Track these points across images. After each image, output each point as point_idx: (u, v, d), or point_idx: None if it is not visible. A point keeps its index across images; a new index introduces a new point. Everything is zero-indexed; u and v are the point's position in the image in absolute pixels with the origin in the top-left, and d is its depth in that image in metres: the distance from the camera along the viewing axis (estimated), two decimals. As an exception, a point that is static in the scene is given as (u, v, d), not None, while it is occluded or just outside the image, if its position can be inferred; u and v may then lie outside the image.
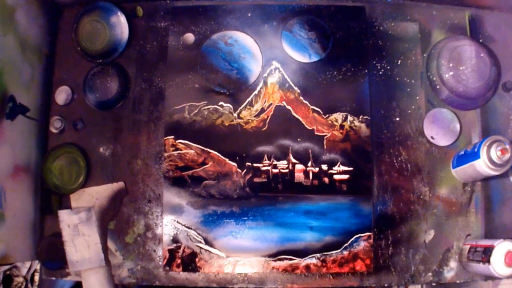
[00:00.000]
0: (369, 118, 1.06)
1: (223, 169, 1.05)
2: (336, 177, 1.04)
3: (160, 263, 1.03)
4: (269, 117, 1.06)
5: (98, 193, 1.05)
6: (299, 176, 1.04)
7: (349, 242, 1.02)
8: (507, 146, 0.93)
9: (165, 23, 1.10)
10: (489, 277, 1.02)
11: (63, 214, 1.01)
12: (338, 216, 1.03)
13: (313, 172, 1.04)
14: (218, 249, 1.03)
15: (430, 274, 1.03)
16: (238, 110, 1.07)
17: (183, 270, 1.03)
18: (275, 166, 1.05)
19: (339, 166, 1.05)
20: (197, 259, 1.02)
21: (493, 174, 0.94)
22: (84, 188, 1.05)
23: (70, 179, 1.05)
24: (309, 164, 1.05)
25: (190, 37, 1.09)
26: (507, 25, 1.09)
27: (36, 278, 1.05)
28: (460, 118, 1.07)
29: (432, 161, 1.06)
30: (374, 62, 1.09)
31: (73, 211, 1.01)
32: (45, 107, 1.08)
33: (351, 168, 1.04)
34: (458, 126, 1.06)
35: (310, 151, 1.05)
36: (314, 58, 1.08)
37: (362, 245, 1.02)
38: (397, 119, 1.07)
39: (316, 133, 1.05)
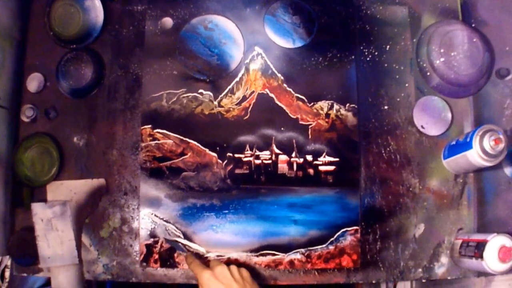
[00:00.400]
0: (356, 107, 1.02)
1: (203, 160, 1.01)
2: (321, 168, 1.00)
3: (137, 258, 1.00)
4: (251, 106, 1.02)
5: (77, 188, 1.01)
6: (282, 167, 1.01)
7: (335, 237, 0.99)
8: (501, 136, 0.90)
9: (142, 7, 1.06)
10: (482, 273, 0.98)
11: (37, 207, 0.98)
12: (324, 209, 0.99)
13: (297, 163, 1.01)
14: (198, 244, 0.99)
15: (420, 270, 1.00)
16: (219, 98, 1.03)
17: (161, 266, 0.99)
18: (257, 157, 1.01)
19: (324, 156, 1.01)
20: (175, 255, 0.99)
21: (486, 165, 0.91)
22: (62, 181, 1.01)
23: (42, 170, 1.01)
24: (293, 154, 1.01)
25: (168, 21, 1.05)
26: (501, 8, 1.06)
27: (7, 274, 1.02)
28: (451, 106, 1.03)
29: (422, 151, 1.03)
30: (362, 48, 1.05)
31: (47, 205, 0.98)
32: (16, 95, 1.04)
33: (337, 159, 1.01)
34: (449, 114, 1.03)
35: (294, 141, 1.01)
36: (299, 44, 1.04)
37: (348, 239, 0.99)
38: (386, 107, 1.03)
39: (300, 122, 1.02)
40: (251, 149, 1.01)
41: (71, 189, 1.01)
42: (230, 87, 1.03)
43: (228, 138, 1.01)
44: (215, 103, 1.02)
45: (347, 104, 1.02)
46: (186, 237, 0.99)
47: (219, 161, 1.01)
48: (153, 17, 1.05)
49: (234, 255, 0.99)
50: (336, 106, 1.02)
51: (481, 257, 0.89)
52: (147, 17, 1.05)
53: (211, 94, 1.03)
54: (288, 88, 1.02)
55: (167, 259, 0.99)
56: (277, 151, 1.01)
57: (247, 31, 1.04)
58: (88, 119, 1.04)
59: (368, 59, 1.04)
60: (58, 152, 1.01)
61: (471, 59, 1.01)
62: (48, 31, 1.05)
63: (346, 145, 1.01)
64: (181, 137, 1.01)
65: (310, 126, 1.01)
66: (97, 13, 1.04)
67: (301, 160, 1.01)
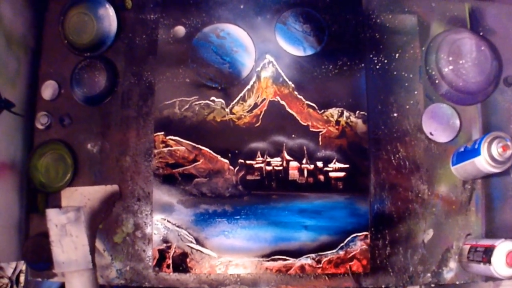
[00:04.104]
0: (365, 114, 1.03)
1: (215, 166, 1.02)
2: (331, 174, 1.01)
3: (150, 263, 1.01)
4: (263, 113, 1.03)
5: (91, 194, 1.02)
6: (293, 173, 1.02)
7: (345, 242, 1.00)
8: (509, 143, 0.91)
9: (154, 16, 1.07)
10: (490, 278, 0.99)
11: (51, 213, 0.99)
12: (334, 215, 1.00)
13: (308, 170, 1.02)
14: (210, 249, 1.00)
15: (429, 275, 1.01)
16: (231, 106, 1.04)
17: (174, 271, 1.00)
18: (268, 163, 1.02)
19: (335, 163, 1.02)
20: (188, 260, 1.00)
21: (494, 171, 0.92)
22: (76, 187, 1.03)
23: (57, 176, 1.03)
24: (304, 161, 1.02)
25: (180, 30, 1.06)
26: (508, 17, 1.07)
27: (22, 279, 1.02)
28: (460, 113, 1.05)
29: (431, 158, 1.04)
30: (371, 56, 1.06)
31: (62, 211, 0.99)
32: (31, 102, 1.06)
33: (347, 166, 1.02)
34: (458, 122, 1.04)
35: (305, 147, 1.02)
36: (309, 52, 1.05)
37: (358, 245, 1.00)
38: (395, 114, 1.05)
39: (311, 129, 1.03)
40: (263, 156, 1.02)
41: (85, 195, 1.02)
42: (241, 94, 1.04)
43: (240, 145, 1.02)
44: (227, 110, 1.03)
45: (357, 111, 1.03)
46: (199, 242, 1.00)
47: (231, 167, 1.02)
48: (165, 25, 1.06)
49: (245, 260, 1.00)
50: (346, 113, 1.03)
51: (489, 262, 0.90)
52: (160, 25, 1.06)
53: (223, 101, 1.04)
54: (298, 96, 1.03)
55: (180, 264, 1.00)
56: (288, 157, 1.02)
57: (259, 40, 1.06)
58: (102, 126, 1.05)
59: (377, 67, 1.06)
60: (72, 158, 1.03)
61: (479, 67, 1.02)
62: (63, 39, 1.07)
63: (356, 151, 1.02)
64: (194, 144, 1.02)
65: (320, 133, 1.03)
66: (111, 22, 1.06)
67: (312, 166, 1.02)
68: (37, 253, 0.99)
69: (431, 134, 1.04)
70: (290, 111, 1.03)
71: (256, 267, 1.00)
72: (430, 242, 1.01)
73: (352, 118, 1.03)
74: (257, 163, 1.02)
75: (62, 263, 0.98)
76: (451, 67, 1.02)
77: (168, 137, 1.03)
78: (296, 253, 1.00)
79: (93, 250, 1.00)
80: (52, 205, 1.02)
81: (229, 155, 1.02)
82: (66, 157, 1.03)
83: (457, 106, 1.05)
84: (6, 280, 1.00)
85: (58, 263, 0.98)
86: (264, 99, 1.04)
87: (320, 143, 1.02)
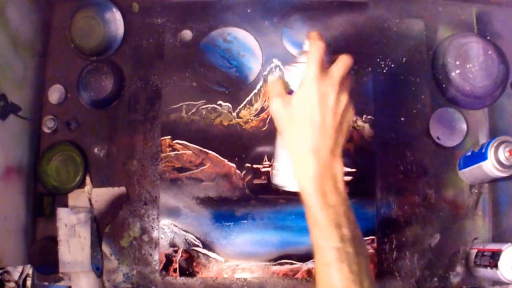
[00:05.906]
0: (372, 118, 1.03)
1: (222, 170, 1.02)
2: (338, 178, 1.01)
3: (157, 267, 1.01)
4: (269, 117, 1.03)
5: (98, 195, 1.02)
6: (300, 177, 1.01)
7: (352, 246, 0.99)
8: (516, 147, 0.90)
9: (161, 20, 1.07)
10: (497, 283, 0.98)
11: (62, 212, 0.99)
12: (341, 219, 1.00)
13: (314, 174, 1.01)
14: (217, 253, 1.00)
15: (435, 279, 1.00)
16: (238, 110, 1.04)
17: (180, 275, 1.00)
18: (275, 167, 1.02)
19: (341, 167, 1.02)
20: (194, 264, 1.00)
21: (501, 175, 0.92)
22: (83, 189, 1.03)
23: (68, 177, 1.02)
24: (311, 165, 1.01)
25: (187, 34, 1.06)
26: (516, 21, 1.07)
27: (28, 283, 1.02)
28: (467, 117, 1.04)
29: (438, 162, 1.03)
30: (378, 60, 1.06)
31: (73, 211, 0.99)
32: (38, 106, 1.06)
33: (353, 170, 1.01)
34: (464, 126, 1.04)
35: (311, 151, 1.02)
36: (316, 56, 1.04)
37: (365, 249, 1.00)
38: (402, 119, 1.04)
39: (318, 133, 1.02)
40: (269, 160, 1.02)
41: (92, 197, 1.02)
42: (248, 98, 1.04)
43: (247, 149, 1.02)
44: (234, 114, 1.04)
45: (364, 116, 1.03)
46: (205, 246, 1.00)
47: (238, 171, 1.02)
48: (172, 29, 1.06)
49: (252, 264, 1.00)
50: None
51: (496, 266, 0.90)
52: (167, 29, 1.06)
53: (230, 105, 1.04)
54: (305, 100, 1.03)
55: (187, 268, 1.00)
56: (295, 161, 1.02)
57: (266, 44, 1.05)
58: (109, 130, 1.05)
59: (384, 71, 1.05)
60: (81, 157, 1.02)
61: (486, 71, 1.02)
62: (69, 43, 1.07)
63: (362, 156, 1.02)
64: (200, 148, 1.02)
65: (327, 137, 1.02)
66: (118, 26, 1.06)
67: (319, 170, 1.01)
68: (43, 256, 0.99)
69: (438, 138, 1.03)
70: (297, 115, 1.03)
71: (263, 271, 1.00)
72: (437, 247, 1.01)
73: (359, 122, 1.03)
74: (264, 167, 1.02)
75: (67, 263, 0.97)
76: (458, 71, 1.02)
77: (175, 141, 1.03)
78: (303, 257, 0.99)
79: (101, 254, 1.00)
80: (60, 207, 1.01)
81: (236, 159, 1.02)
82: (74, 156, 1.03)
83: (464, 110, 1.04)
84: (13, 284, 1.00)
85: (63, 263, 0.97)
86: (271, 103, 1.03)
87: (327, 147, 1.02)
